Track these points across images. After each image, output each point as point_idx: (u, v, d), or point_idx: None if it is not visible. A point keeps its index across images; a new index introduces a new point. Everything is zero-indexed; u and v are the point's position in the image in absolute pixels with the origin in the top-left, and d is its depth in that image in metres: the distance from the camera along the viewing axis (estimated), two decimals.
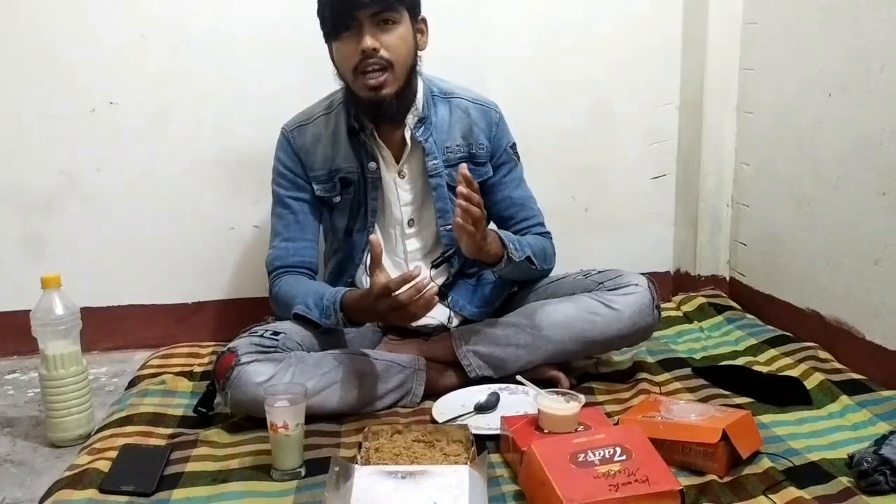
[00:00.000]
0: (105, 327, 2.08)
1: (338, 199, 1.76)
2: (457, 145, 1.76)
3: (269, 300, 1.76)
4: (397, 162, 1.74)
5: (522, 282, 1.85)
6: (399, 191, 1.76)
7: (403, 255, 1.80)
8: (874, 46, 1.67)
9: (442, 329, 1.78)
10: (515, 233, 1.77)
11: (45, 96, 2.02)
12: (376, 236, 1.55)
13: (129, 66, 2.03)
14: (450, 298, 1.80)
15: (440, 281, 1.78)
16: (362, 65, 1.58)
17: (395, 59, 1.60)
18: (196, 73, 2.06)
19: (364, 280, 1.78)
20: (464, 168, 1.49)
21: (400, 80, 1.62)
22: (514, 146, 1.83)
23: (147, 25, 2.02)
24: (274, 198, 1.79)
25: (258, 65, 2.07)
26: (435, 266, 1.76)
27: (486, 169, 1.79)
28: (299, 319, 1.65)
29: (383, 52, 1.58)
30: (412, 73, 1.67)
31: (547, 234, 1.84)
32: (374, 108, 1.64)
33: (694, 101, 2.24)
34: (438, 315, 1.77)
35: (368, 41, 1.56)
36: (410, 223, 1.79)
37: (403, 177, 1.76)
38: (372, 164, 1.73)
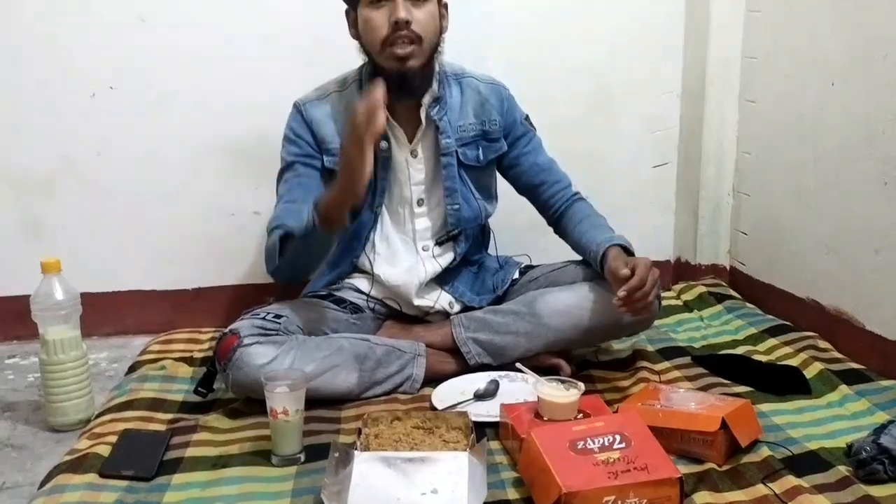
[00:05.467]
0: (105, 312, 2.08)
1: None
2: (469, 124, 1.76)
3: (266, 262, 1.65)
4: (410, 141, 1.74)
5: (525, 271, 1.88)
6: (411, 170, 1.75)
7: (412, 235, 1.79)
8: (877, 35, 1.67)
9: (443, 315, 1.79)
10: (548, 197, 1.81)
11: (46, 80, 2.01)
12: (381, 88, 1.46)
13: (129, 50, 2.02)
14: (451, 285, 1.80)
15: (446, 260, 1.79)
16: (392, 37, 1.59)
17: (424, 35, 1.61)
18: (196, 57, 2.04)
19: (370, 256, 1.76)
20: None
21: (425, 56, 1.64)
22: (527, 118, 1.85)
23: (146, 9, 2.01)
24: (281, 165, 1.73)
25: (259, 49, 2.06)
26: (438, 244, 1.77)
27: (501, 144, 1.80)
28: (283, 244, 1.58)
29: (414, 26, 1.59)
30: (435, 51, 1.68)
31: (584, 199, 1.85)
32: (398, 80, 1.61)
33: (696, 89, 2.23)
34: (440, 301, 1.79)
35: (402, 12, 1.57)
36: (420, 203, 1.78)
37: (416, 156, 1.75)
38: (384, 143, 1.70)
